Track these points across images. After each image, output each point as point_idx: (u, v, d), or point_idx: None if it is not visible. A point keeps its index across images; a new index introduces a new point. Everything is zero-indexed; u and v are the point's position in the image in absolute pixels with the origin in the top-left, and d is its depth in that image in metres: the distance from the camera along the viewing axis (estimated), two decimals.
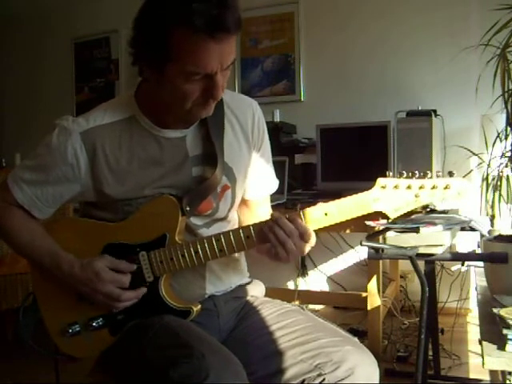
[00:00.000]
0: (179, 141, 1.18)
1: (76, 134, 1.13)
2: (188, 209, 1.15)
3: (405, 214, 1.06)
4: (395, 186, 1.04)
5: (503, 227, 2.22)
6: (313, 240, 1.09)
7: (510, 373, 1.33)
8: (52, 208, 1.21)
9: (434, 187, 1.02)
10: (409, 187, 1.04)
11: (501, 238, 1.56)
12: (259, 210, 1.35)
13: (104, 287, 1.12)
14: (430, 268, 1.89)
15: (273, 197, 1.40)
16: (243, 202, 1.33)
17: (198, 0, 0.96)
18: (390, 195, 1.05)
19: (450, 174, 1.02)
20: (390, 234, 1.70)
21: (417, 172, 1.04)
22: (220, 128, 1.20)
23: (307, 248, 1.08)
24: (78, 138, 1.13)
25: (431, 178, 1.03)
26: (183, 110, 1.08)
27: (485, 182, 2.32)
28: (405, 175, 1.04)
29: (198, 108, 1.09)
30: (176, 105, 1.09)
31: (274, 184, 1.37)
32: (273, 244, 1.07)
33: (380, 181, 1.06)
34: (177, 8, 0.97)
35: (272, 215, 1.10)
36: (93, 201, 1.20)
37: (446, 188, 1.01)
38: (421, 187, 1.03)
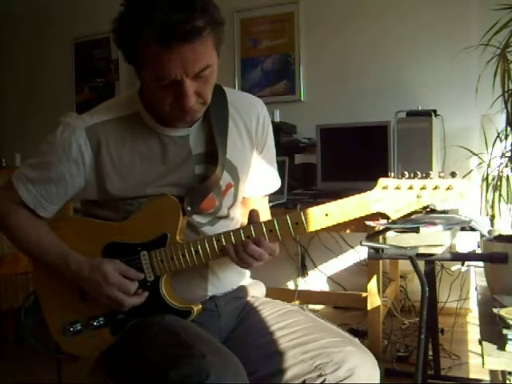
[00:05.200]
0: (182, 139, 1.18)
1: (80, 130, 1.13)
2: (189, 208, 1.16)
3: (406, 214, 1.06)
4: (397, 187, 1.04)
5: (503, 227, 2.22)
6: (277, 251, 1.14)
7: (510, 373, 1.33)
8: (57, 206, 1.21)
9: (435, 188, 1.02)
10: (410, 188, 1.03)
11: (501, 238, 1.56)
12: (257, 209, 1.35)
13: (110, 291, 1.12)
14: (430, 268, 1.89)
15: (273, 197, 1.40)
16: (242, 199, 1.33)
17: (158, 8, 0.95)
18: (391, 196, 1.05)
19: (453, 174, 1.02)
20: (390, 234, 1.70)
21: (419, 172, 1.03)
22: (224, 126, 1.20)
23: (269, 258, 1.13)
24: (82, 134, 1.13)
25: (433, 178, 1.03)
26: (165, 111, 1.09)
27: (485, 182, 2.33)
28: (406, 176, 1.04)
29: (179, 112, 1.08)
30: (158, 106, 1.10)
31: (274, 184, 1.37)
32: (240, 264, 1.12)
33: (381, 181, 1.06)
34: (138, 17, 0.98)
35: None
36: (95, 199, 1.20)
37: (448, 189, 1.01)
38: (422, 188, 1.02)
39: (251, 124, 1.25)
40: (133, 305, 1.15)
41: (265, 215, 1.17)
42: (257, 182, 1.33)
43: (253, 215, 1.13)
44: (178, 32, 0.96)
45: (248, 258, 1.09)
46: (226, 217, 1.26)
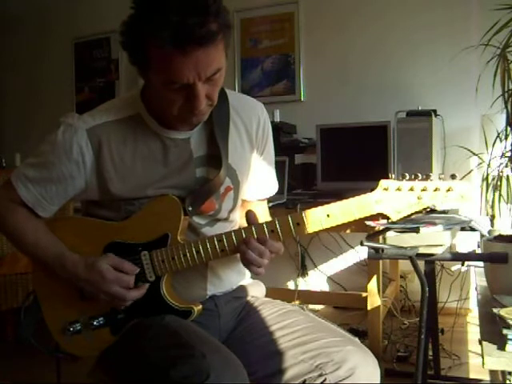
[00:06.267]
0: (183, 142, 1.18)
1: (82, 131, 1.13)
2: (190, 209, 1.16)
3: (406, 215, 1.06)
4: (397, 188, 1.05)
5: (503, 227, 2.22)
6: (282, 250, 1.13)
7: (510, 373, 1.33)
8: (56, 206, 1.21)
9: (436, 189, 1.02)
10: (411, 189, 1.04)
11: (501, 238, 1.56)
12: (256, 212, 1.35)
13: (109, 287, 1.12)
14: (430, 268, 1.89)
15: (273, 197, 1.40)
16: (241, 202, 1.33)
17: (173, 11, 0.94)
18: (392, 197, 1.05)
19: (453, 176, 1.02)
20: (389, 234, 1.71)
21: (419, 174, 1.04)
22: (225, 129, 1.20)
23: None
24: (83, 135, 1.13)
25: (433, 180, 1.03)
26: (172, 115, 1.08)
27: (485, 182, 2.33)
28: (407, 177, 1.04)
29: (187, 115, 1.08)
30: (165, 109, 1.09)
31: (273, 187, 1.37)
32: (244, 263, 1.12)
33: (382, 183, 1.06)
34: (151, 20, 0.97)
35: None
36: (96, 199, 1.20)
37: (448, 190, 1.02)
38: (423, 189, 1.03)
39: (251, 127, 1.26)
40: (134, 298, 1.14)
41: (265, 218, 1.17)
42: (256, 185, 1.33)
43: (249, 217, 1.13)
44: (193, 36, 0.95)
45: (249, 253, 1.09)
46: (226, 219, 1.26)
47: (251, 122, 1.25)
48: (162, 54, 0.98)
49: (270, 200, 1.41)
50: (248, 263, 1.11)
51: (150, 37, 0.98)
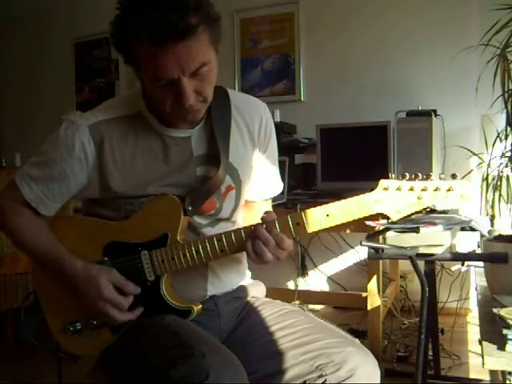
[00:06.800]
0: (184, 141, 1.18)
1: (84, 128, 1.13)
2: (190, 208, 1.16)
3: (406, 215, 1.06)
4: (397, 188, 1.04)
5: (503, 227, 2.22)
6: (290, 246, 1.11)
7: (510, 373, 1.33)
8: (59, 204, 1.21)
9: (436, 189, 1.02)
10: (411, 189, 1.03)
11: (501, 238, 1.56)
12: (260, 212, 1.35)
13: (102, 306, 1.12)
14: (430, 268, 1.89)
15: (273, 197, 1.40)
16: (245, 203, 1.33)
17: (152, 8, 0.95)
18: (392, 197, 1.05)
19: (453, 176, 1.02)
20: (390, 234, 1.71)
21: (419, 174, 1.03)
22: (226, 128, 1.20)
23: (284, 254, 1.10)
24: (86, 132, 1.13)
25: (433, 180, 1.03)
26: (166, 111, 1.09)
27: (485, 182, 2.33)
28: (407, 177, 1.04)
29: (180, 111, 1.08)
30: (159, 107, 1.10)
31: (277, 187, 1.37)
32: (249, 252, 1.09)
33: (382, 182, 1.06)
34: (132, 19, 0.98)
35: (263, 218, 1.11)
36: (97, 197, 1.20)
37: (448, 190, 1.01)
38: (423, 189, 1.02)
39: (254, 127, 1.26)
40: (124, 321, 1.14)
41: None
42: (259, 185, 1.33)
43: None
44: (171, 31, 0.96)
45: (257, 242, 1.08)
46: (228, 219, 1.26)
47: (253, 122, 1.25)
48: (145, 52, 0.99)
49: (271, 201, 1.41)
50: (253, 252, 1.09)
51: (132, 35, 0.99)
